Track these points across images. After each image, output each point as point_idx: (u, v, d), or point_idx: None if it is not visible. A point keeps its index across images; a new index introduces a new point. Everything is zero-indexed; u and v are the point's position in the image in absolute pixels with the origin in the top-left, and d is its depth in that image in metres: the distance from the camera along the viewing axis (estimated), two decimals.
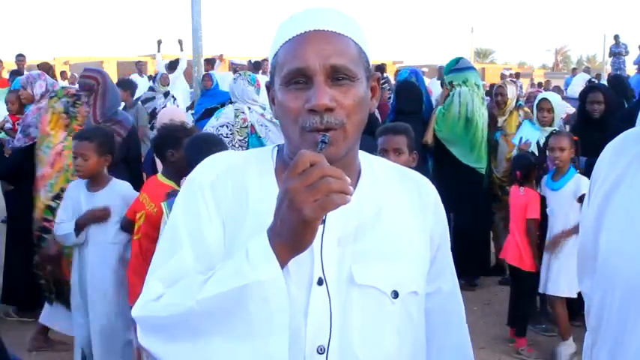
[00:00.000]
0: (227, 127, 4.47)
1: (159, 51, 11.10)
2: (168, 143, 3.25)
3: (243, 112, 4.51)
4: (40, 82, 4.90)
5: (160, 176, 3.28)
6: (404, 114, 5.27)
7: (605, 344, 1.13)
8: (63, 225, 3.48)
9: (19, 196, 4.85)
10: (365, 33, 1.18)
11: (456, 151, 5.21)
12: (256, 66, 10.87)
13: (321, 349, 1.09)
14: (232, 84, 4.81)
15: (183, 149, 3.09)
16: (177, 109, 5.98)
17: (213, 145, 2.90)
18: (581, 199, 3.92)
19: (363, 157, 1.25)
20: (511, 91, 5.62)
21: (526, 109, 5.77)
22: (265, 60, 12.26)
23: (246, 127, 4.46)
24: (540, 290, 4.17)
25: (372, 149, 4.03)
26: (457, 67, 5.35)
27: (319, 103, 1.07)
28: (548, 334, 4.48)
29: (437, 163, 5.40)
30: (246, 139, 4.44)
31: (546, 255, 4.10)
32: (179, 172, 3.20)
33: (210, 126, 4.58)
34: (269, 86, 1.21)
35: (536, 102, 5.10)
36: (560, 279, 4.02)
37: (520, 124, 5.46)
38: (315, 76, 1.09)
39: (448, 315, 1.30)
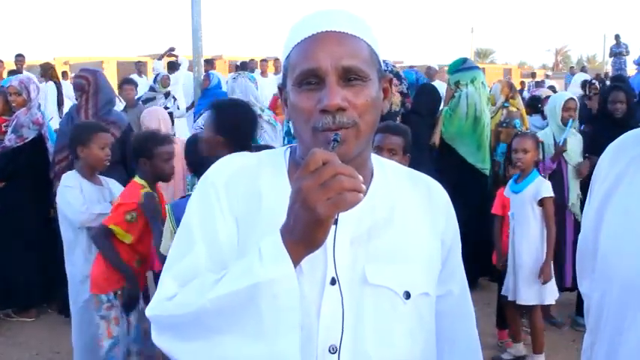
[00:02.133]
0: None
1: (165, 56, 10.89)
2: (141, 152, 3.28)
3: None
4: (33, 87, 4.95)
5: (137, 178, 3.32)
6: (420, 115, 5.29)
7: (604, 343, 1.13)
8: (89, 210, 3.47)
9: (12, 196, 4.83)
10: (376, 34, 1.19)
11: (463, 151, 5.20)
12: (243, 67, 10.84)
13: (333, 349, 1.09)
14: (232, 83, 4.82)
15: (156, 158, 3.22)
16: (159, 109, 5.94)
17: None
18: (541, 203, 3.91)
19: (375, 159, 1.26)
20: (495, 89, 5.61)
21: (512, 108, 5.63)
22: (252, 60, 12.24)
23: None
24: (510, 298, 4.08)
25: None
26: (464, 66, 5.34)
27: (331, 103, 1.07)
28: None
29: (441, 165, 5.35)
30: None
31: (510, 262, 4.05)
32: (152, 178, 3.29)
33: (203, 118, 4.59)
34: (281, 88, 1.22)
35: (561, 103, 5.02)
36: (527, 287, 3.97)
37: (500, 123, 5.45)
38: (327, 76, 1.09)
39: (459, 318, 1.30)
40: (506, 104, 5.58)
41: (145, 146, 3.26)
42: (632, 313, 1.05)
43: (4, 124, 4.99)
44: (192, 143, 3.13)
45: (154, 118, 4.96)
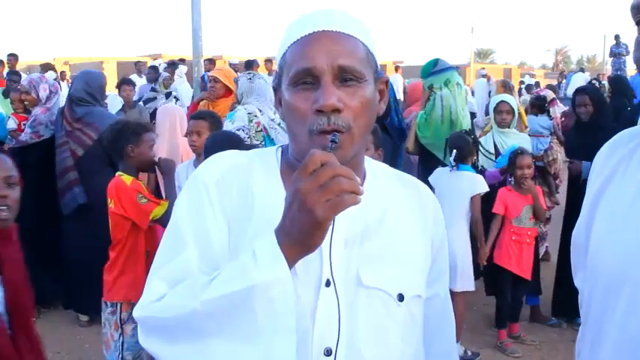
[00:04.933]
0: (243, 130, 4.27)
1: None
2: (128, 138, 3.25)
3: (256, 116, 4.34)
4: (43, 85, 4.98)
5: (120, 174, 3.29)
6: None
7: (589, 337, 1.15)
8: None
9: (30, 194, 4.84)
10: (373, 35, 1.18)
11: (441, 155, 4.99)
12: (248, 65, 10.82)
13: (327, 351, 1.08)
14: (248, 83, 4.55)
15: (143, 145, 3.23)
16: (176, 106, 5.93)
17: (235, 143, 2.91)
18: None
19: (365, 160, 1.24)
20: (494, 91, 5.63)
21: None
22: (255, 61, 12.24)
23: (260, 130, 4.31)
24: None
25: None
26: (436, 69, 5.10)
27: (327, 103, 1.06)
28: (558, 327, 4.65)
29: (424, 169, 5.15)
30: (263, 143, 4.25)
31: None
32: (138, 167, 3.29)
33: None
34: (276, 87, 1.20)
35: (493, 105, 5.09)
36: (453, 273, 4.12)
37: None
38: (323, 76, 1.08)
39: (442, 320, 1.30)
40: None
41: (134, 131, 3.25)
42: (610, 310, 1.07)
43: (24, 122, 5.10)
44: (214, 140, 3.16)
45: (169, 116, 4.92)
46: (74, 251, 4.72)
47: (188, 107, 8.86)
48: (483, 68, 21.40)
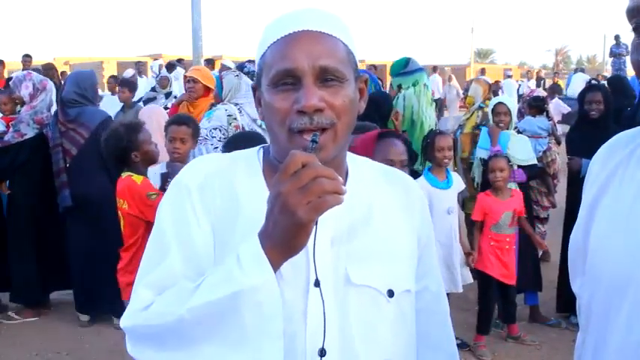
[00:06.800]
0: (220, 130, 4.28)
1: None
2: (127, 146, 3.24)
3: (235, 119, 4.31)
4: (25, 83, 4.85)
5: (129, 174, 3.26)
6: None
7: (591, 342, 1.15)
8: None
9: (23, 194, 4.85)
10: (353, 33, 1.17)
11: None
12: (241, 67, 10.83)
13: (322, 352, 1.08)
14: (236, 80, 4.51)
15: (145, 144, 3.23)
16: (157, 108, 5.92)
17: (258, 142, 2.90)
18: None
19: (349, 157, 1.24)
20: (474, 90, 5.56)
21: (486, 109, 5.48)
22: (249, 61, 12.19)
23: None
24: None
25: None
26: (407, 69, 5.13)
27: (308, 104, 1.05)
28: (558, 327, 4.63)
29: None
30: None
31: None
32: (145, 165, 3.29)
33: (203, 128, 4.31)
34: (255, 87, 1.19)
35: (491, 107, 5.07)
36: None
37: (477, 125, 5.37)
38: (304, 77, 1.07)
39: (436, 314, 1.30)
40: (482, 105, 5.48)
41: (130, 139, 3.24)
42: (614, 314, 1.06)
43: (11, 122, 4.99)
44: (235, 140, 3.16)
45: (149, 117, 4.91)
46: (73, 251, 4.73)
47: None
48: (483, 69, 21.40)
